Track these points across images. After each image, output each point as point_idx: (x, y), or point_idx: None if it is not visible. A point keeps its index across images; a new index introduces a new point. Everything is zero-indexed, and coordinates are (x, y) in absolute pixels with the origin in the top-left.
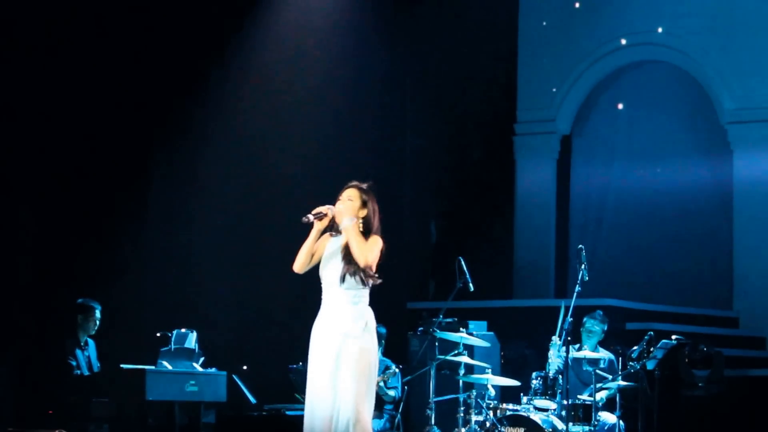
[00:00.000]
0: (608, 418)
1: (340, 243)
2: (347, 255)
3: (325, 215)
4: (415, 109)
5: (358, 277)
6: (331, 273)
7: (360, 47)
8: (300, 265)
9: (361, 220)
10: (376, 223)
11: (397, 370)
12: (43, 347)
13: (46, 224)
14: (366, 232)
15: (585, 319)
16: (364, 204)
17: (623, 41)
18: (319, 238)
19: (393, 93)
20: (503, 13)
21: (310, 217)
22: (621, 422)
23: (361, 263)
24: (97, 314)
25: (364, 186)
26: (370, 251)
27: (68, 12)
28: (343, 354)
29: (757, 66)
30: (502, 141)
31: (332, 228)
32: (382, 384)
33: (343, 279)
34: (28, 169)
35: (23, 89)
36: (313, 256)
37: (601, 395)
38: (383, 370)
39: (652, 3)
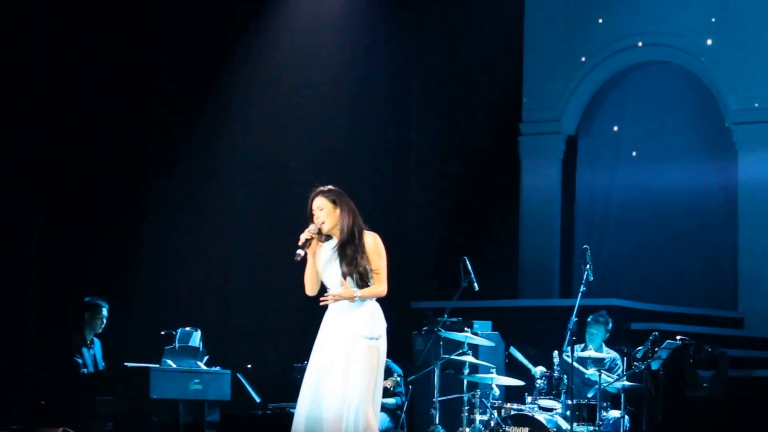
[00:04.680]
0: (612, 413)
1: (333, 247)
2: (343, 258)
3: (311, 239)
4: (420, 109)
5: (356, 276)
6: (331, 277)
7: (365, 48)
8: (311, 289)
9: (345, 228)
10: (355, 215)
11: (398, 378)
12: (50, 345)
13: (53, 224)
14: (350, 232)
15: (589, 319)
16: (334, 204)
17: (640, 43)
18: (314, 253)
19: (399, 92)
20: (509, 13)
21: (300, 252)
22: (626, 418)
23: (384, 295)
24: (104, 312)
25: (326, 188)
26: (382, 279)
27: (74, 16)
28: (351, 353)
29: (762, 67)
30: (507, 141)
31: (319, 236)
32: (390, 389)
33: (342, 283)
34: (35, 169)
35: (26, 90)
36: (318, 274)
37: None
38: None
39: (658, 3)
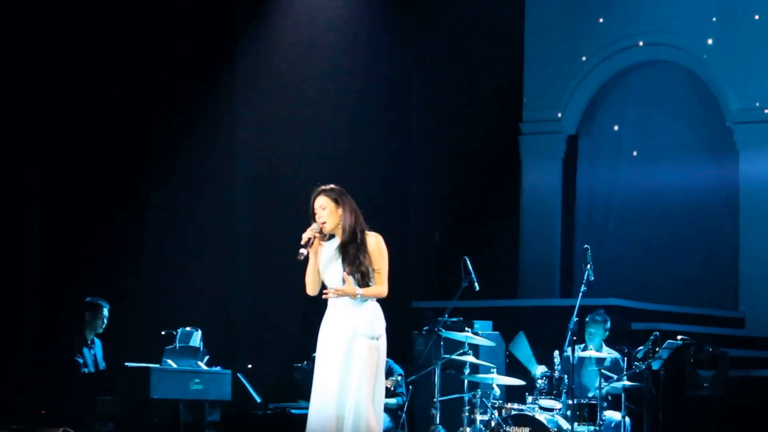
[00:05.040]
0: (614, 415)
1: (335, 246)
2: (345, 257)
3: (314, 238)
4: (421, 109)
5: (358, 276)
6: (332, 277)
7: (366, 49)
8: (312, 289)
9: (348, 228)
10: (357, 215)
11: (399, 378)
12: (51, 344)
13: (54, 224)
14: (352, 231)
15: (587, 319)
16: (336, 203)
17: (641, 43)
18: (316, 252)
19: (400, 93)
20: (510, 13)
21: (303, 251)
22: (627, 419)
23: (385, 295)
24: (105, 312)
25: (328, 187)
26: (383, 278)
27: (77, 18)
28: (352, 353)
29: (763, 66)
30: (508, 140)
31: (321, 235)
32: (391, 388)
33: (344, 281)
34: (37, 170)
35: (28, 91)
36: (319, 273)
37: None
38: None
39: (659, 3)
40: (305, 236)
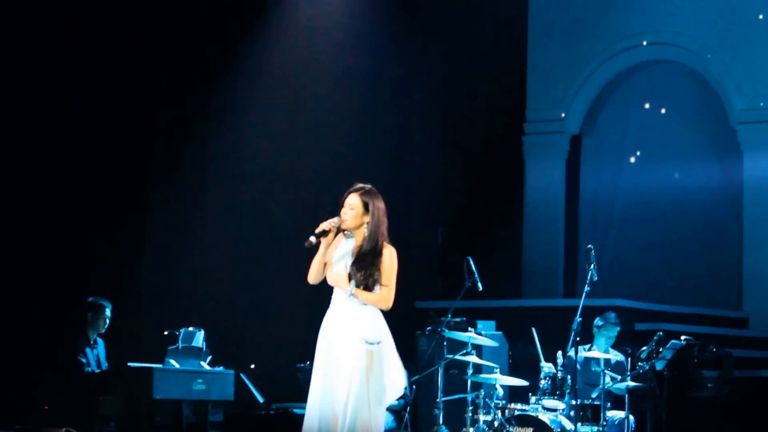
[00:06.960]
0: (617, 413)
1: (352, 245)
2: (358, 259)
3: (330, 231)
4: (424, 109)
5: (362, 287)
6: (337, 272)
7: (369, 49)
8: (314, 277)
9: (365, 227)
10: (383, 226)
11: None
12: (54, 344)
13: (57, 224)
14: (374, 241)
15: (598, 320)
16: (366, 207)
17: (644, 42)
18: (329, 244)
19: (402, 93)
20: (513, 12)
21: (312, 239)
22: (631, 418)
23: (386, 309)
24: (107, 312)
25: (366, 188)
26: (390, 293)
27: (78, 18)
28: (346, 354)
29: (767, 66)
30: (511, 140)
31: (338, 230)
32: None
33: (349, 281)
34: (39, 170)
35: (29, 92)
36: (326, 265)
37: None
38: None
39: (663, 2)
40: (322, 226)
